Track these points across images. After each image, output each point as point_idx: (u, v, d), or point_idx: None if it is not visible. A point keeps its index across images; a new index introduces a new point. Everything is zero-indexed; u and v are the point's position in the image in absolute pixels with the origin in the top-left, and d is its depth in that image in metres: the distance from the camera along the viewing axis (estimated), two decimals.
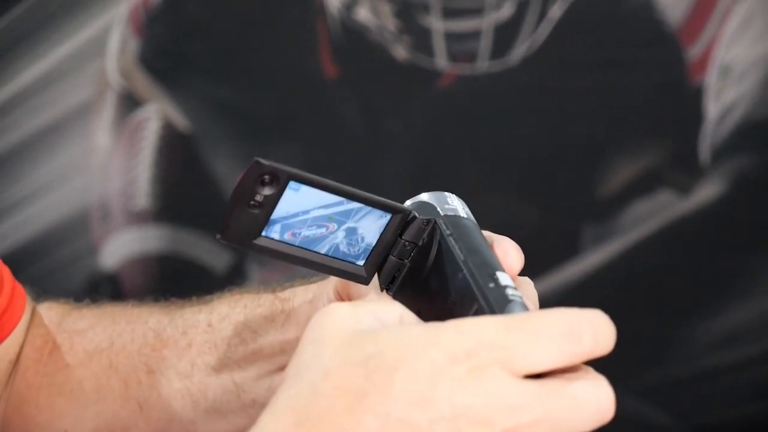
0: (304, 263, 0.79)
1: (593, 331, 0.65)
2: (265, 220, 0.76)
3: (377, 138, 2.10)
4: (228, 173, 2.11)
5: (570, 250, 2.09)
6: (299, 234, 0.78)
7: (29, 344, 1.02)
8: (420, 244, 0.79)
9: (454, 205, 0.80)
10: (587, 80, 2.07)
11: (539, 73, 2.07)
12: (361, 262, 0.80)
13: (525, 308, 0.71)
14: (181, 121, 2.11)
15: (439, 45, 2.07)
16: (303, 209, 0.77)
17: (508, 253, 0.78)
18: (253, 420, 0.95)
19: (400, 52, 2.08)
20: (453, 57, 2.07)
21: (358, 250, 0.80)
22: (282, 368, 0.94)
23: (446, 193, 0.81)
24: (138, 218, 2.12)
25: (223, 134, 2.11)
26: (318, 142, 2.10)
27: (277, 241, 0.77)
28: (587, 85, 2.07)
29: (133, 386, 0.98)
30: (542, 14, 2.05)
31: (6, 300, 1.00)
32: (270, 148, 2.09)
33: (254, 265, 2.13)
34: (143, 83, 2.11)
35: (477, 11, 2.06)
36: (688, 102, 2.06)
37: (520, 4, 2.05)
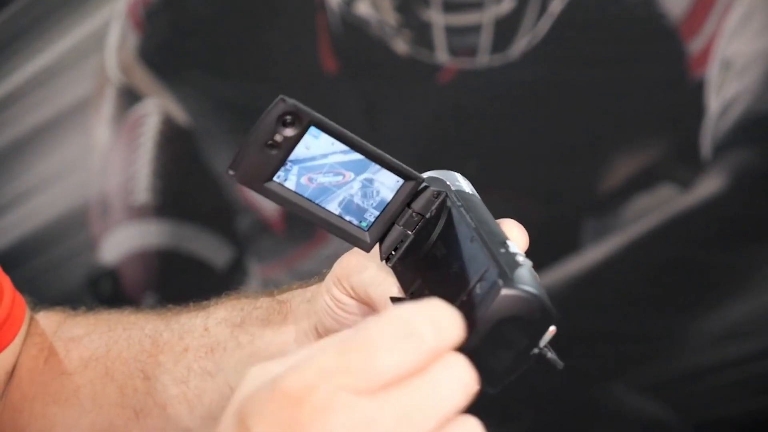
0: (310, 216, 0.78)
1: (432, 324, 0.63)
2: (280, 163, 0.75)
3: (377, 132, 2.10)
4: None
5: (571, 244, 2.09)
6: (311, 182, 0.77)
7: (25, 353, 1.01)
8: (427, 216, 0.79)
9: (461, 182, 0.81)
10: (588, 74, 2.06)
11: (540, 67, 2.06)
12: (365, 228, 0.80)
13: (533, 274, 0.71)
14: (180, 115, 2.11)
15: (440, 39, 2.06)
16: (319, 156, 0.76)
17: (512, 231, 0.78)
18: None
19: (401, 46, 2.07)
20: (453, 51, 2.07)
21: (371, 206, 0.79)
22: None
23: (453, 172, 0.81)
24: (138, 213, 2.12)
25: (223, 129, 2.10)
26: None
27: (287, 188, 0.76)
28: (588, 79, 2.06)
29: (129, 393, 0.97)
30: (543, 8, 2.04)
31: (6, 311, 0.99)
32: None
33: (254, 260, 2.13)
34: (143, 78, 2.10)
35: (477, 5, 2.05)
36: (689, 96, 2.06)
37: None
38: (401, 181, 0.79)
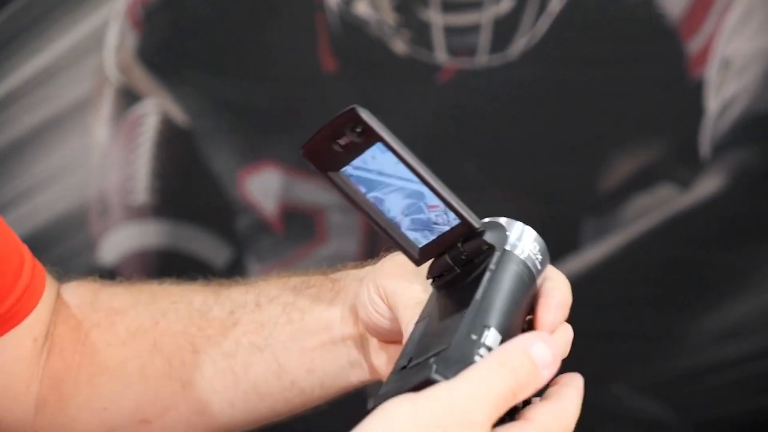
0: (368, 218, 0.78)
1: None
2: (344, 162, 0.76)
3: None
4: (227, 168, 2.10)
5: (570, 244, 2.09)
6: (372, 189, 0.77)
7: (64, 324, 1.01)
8: (474, 261, 0.78)
9: (523, 242, 0.79)
10: (587, 74, 2.06)
11: (539, 67, 2.06)
12: (419, 245, 0.79)
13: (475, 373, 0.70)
14: (179, 115, 2.11)
15: (439, 39, 2.06)
16: (381, 171, 0.76)
17: (548, 311, 0.78)
18: (289, 404, 0.96)
19: (400, 46, 2.07)
20: (452, 51, 2.07)
21: (426, 228, 0.78)
22: (324, 345, 0.93)
23: (527, 229, 0.80)
24: (137, 213, 2.12)
25: (222, 129, 2.10)
26: None
27: (351, 183, 0.77)
28: (587, 79, 2.06)
29: (177, 366, 0.97)
30: (542, 8, 2.04)
31: (28, 277, 0.99)
32: (269, 142, 2.09)
33: (253, 260, 2.13)
34: (142, 78, 2.10)
35: (476, 5, 2.05)
36: (689, 96, 2.06)
37: None
38: (459, 220, 0.77)
